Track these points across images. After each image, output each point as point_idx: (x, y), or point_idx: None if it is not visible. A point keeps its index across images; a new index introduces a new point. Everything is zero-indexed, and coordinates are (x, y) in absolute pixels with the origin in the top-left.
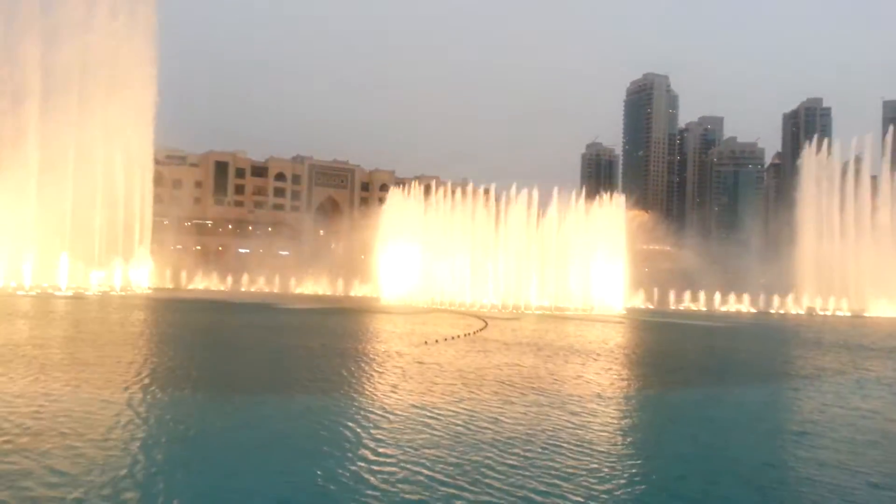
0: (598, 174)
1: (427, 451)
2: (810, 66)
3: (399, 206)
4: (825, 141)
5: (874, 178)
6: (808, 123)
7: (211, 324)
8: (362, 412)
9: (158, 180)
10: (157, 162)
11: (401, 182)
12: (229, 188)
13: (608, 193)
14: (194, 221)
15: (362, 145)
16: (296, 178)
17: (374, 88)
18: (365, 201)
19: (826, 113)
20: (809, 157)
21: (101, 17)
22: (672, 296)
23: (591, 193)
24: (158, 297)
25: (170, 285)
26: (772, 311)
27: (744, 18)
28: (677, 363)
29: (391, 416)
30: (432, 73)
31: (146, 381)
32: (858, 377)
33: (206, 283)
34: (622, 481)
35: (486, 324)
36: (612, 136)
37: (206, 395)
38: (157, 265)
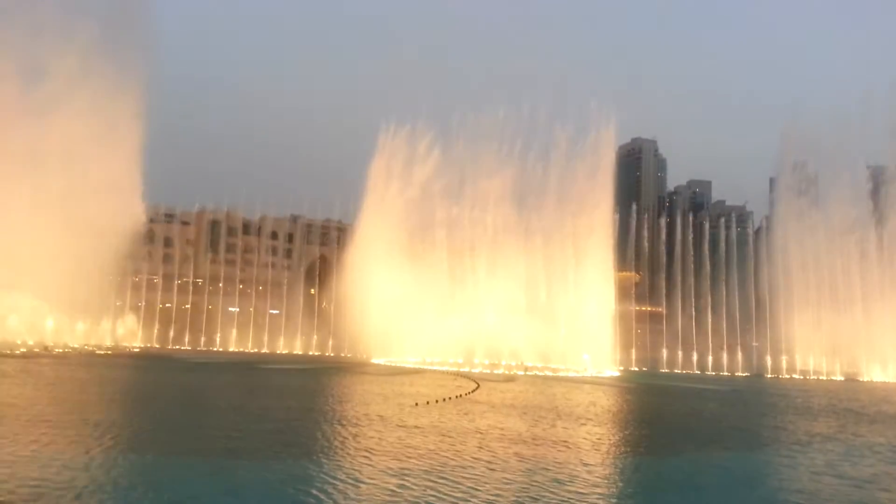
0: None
1: None
2: (796, 127)
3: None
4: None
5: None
6: (798, 185)
7: (192, 384)
8: (331, 480)
9: (150, 238)
10: (149, 220)
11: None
12: (221, 247)
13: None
14: (184, 280)
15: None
16: (288, 237)
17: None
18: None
19: (813, 177)
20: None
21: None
22: (664, 358)
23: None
24: (141, 357)
25: (156, 344)
26: (765, 374)
27: (728, 84)
28: (666, 428)
29: (361, 485)
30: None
31: (113, 442)
32: (850, 444)
33: (193, 342)
34: None
35: (478, 385)
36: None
37: (170, 458)
38: (146, 324)
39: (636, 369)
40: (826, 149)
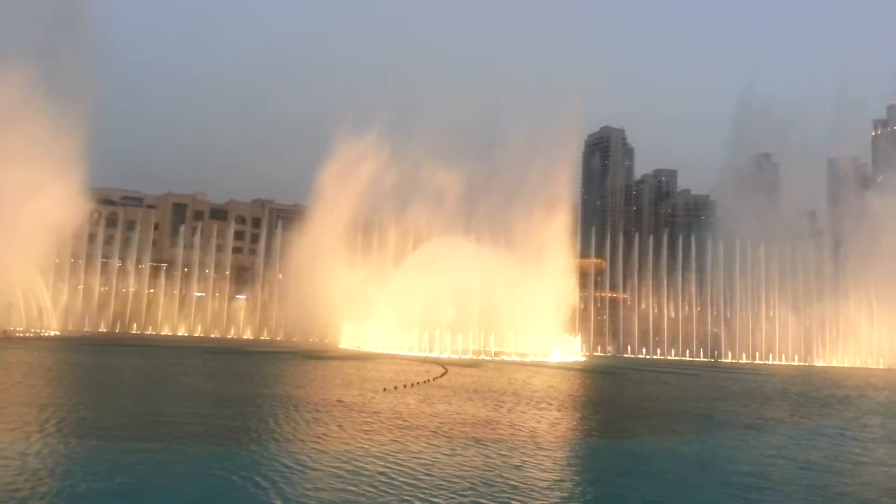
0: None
1: None
2: (759, 121)
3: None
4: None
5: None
6: (758, 177)
7: (149, 369)
8: (281, 467)
9: (113, 222)
10: (111, 203)
11: (363, 226)
12: (187, 231)
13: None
14: (150, 264)
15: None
16: (256, 222)
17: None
18: (322, 244)
19: (774, 168)
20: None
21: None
22: (628, 343)
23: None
24: (100, 341)
25: (117, 329)
26: (723, 359)
27: (693, 76)
28: (622, 412)
29: (312, 471)
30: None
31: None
32: (799, 427)
33: (156, 327)
34: None
35: (446, 370)
36: (571, 185)
37: (117, 443)
38: (106, 308)
39: (600, 354)
40: (787, 140)
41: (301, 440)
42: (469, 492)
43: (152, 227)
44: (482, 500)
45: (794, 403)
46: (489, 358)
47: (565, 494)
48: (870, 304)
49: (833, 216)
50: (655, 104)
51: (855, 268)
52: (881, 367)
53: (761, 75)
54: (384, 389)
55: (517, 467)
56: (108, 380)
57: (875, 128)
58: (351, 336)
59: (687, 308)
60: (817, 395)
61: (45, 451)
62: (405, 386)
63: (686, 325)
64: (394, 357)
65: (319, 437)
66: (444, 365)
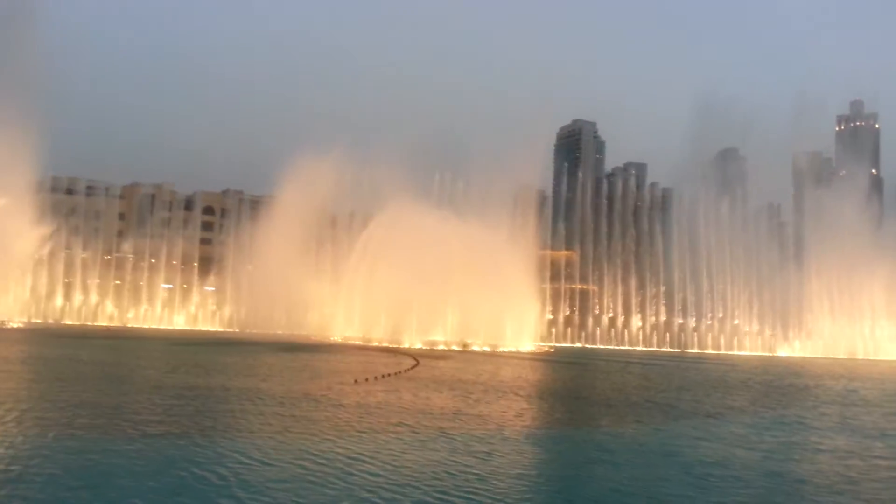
0: (529, 214)
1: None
2: (726, 117)
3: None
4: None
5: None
6: (725, 170)
7: (115, 362)
8: (242, 460)
9: (76, 211)
10: (75, 192)
11: (334, 219)
12: (154, 221)
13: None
14: (115, 255)
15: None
16: (224, 213)
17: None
18: (293, 235)
19: (741, 162)
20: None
21: None
22: (596, 334)
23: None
24: (65, 333)
25: (86, 321)
26: (690, 350)
27: (664, 70)
28: (587, 402)
29: (270, 466)
30: (371, 112)
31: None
32: (760, 417)
33: (123, 318)
34: None
35: (417, 362)
36: (543, 177)
37: (76, 438)
38: (72, 300)
39: (569, 345)
40: (751, 135)
41: (265, 434)
42: (434, 483)
43: (118, 218)
44: (447, 492)
45: (756, 393)
46: (460, 349)
47: (530, 484)
48: (830, 296)
49: (796, 210)
50: (627, 97)
51: (816, 260)
52: (841, 357)
53: (728, 71)
54: (355, 381)
55: (483, 458)
56: (71, 372)
57: (839, 123)
58: (322, 327)
59: (654, 299)
60: (778, 384)
61: (2, 445)
62: (375, 378)
63: (653, 317)
64: (365, 348)
65: (283, 431)
66: (416, 356)
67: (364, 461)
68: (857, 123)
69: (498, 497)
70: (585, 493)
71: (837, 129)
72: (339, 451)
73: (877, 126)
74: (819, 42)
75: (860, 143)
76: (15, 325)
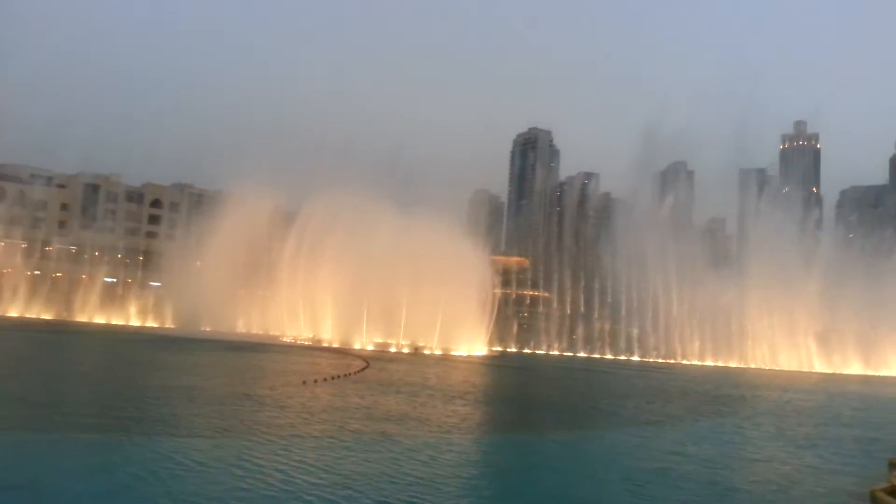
0: (483, 219)
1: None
2: (675, 129)
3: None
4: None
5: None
6: (674, 183)
7: (50, 358)
8: (177, 459)
9: (19, 200)
10: (19, 180)
11: (289, 216)
12: (99, 213)
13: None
14: (57, 247)
15: (250, 175)
16: (174, 206)
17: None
18: (245, 232)
19: (689, 176)
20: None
21: None
22: (546, 341)
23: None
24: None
25: (26, 314)
26: (634, 358)
27: (615, 80)
28: (531, 408)
29: (207, 468)
30: (328, 113)
31: None
32: (696, 425)
33: (67, 313)
34: None
35: (367, 364)
36: (499, 184)
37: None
38: (7, 291)
39: (517, 351)
40: (700, 151)
41: (201, 435)
42: (371, 489)
43: (61, 208)
44: (387, 498)
45: (695, 401)
46: (411, 352)
47: (470, 489)
48: (770, 309)
49: (740, 224)
50: (582, 107)
51: (757, 274)
52: (778, 369)
53: (679, 88)
54: (303, 382)
55: (424, 463)
56: (5, 367)
57: (783, 142)
58: (272, 327)
59: (600, 307)
60: (716, 393)
61: None
62: (323, 380)
63: (600, 324)
64: (314, 349)
65: (221, 432)
66: (366, 359)
67: (300, 466)
68: (800, 143)
69: (437, 502)
70: (525, 499)
71: (781, 147)
72: (279, 455)
73: (818, 146)
74: (765, 61)
75: (802, 161)
76: None
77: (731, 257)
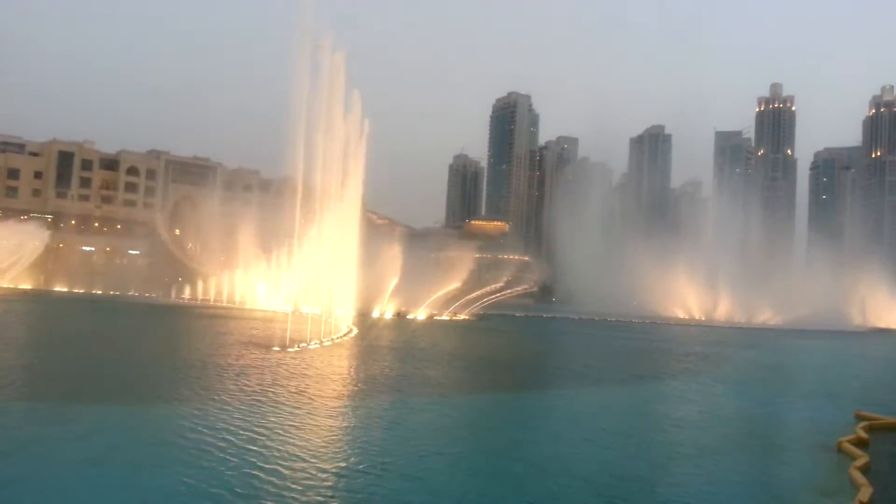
0: (463, 184)
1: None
2: (653, 94)
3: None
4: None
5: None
6: (651, 148)
7: (39, 326)
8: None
9: None
10: None
11: (266, 183)
12: (74, 181)
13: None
14: (32, 215)
15: (226, 141)
16: (150, 174)
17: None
18: (227, 201)
19: (667, 139)
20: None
21: None
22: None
23: (458, 202)
24: None
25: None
26: (611, 318)
27: (597, 46)
28: (500, 365)
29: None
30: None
31: None
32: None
33: (47, 282)
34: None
35: (352, 330)
36: (479, 149)
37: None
38: None
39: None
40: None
41: (165, 399)
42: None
43: (35, 176)
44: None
45: (662, 360)
46: (395, 317)
47: (432, 449)
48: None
49: (717, 186)
50: (561, 71)
51: (727, 234)
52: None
53: (661, 52)
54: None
55: (388, 428)
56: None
57: (759, 104)
58: (258, 297)
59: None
60: (691, 350)
61: None
62: (297, 346)
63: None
64: (301, 317)
65: (205, 399)
66: (352, 326)
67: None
68: (776, 105)
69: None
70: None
71: (757, 109)
72: (259, 423)
73: (793, 109)
74: (743, 24)
75: (777, 124)
76: None
77: (706, 218)
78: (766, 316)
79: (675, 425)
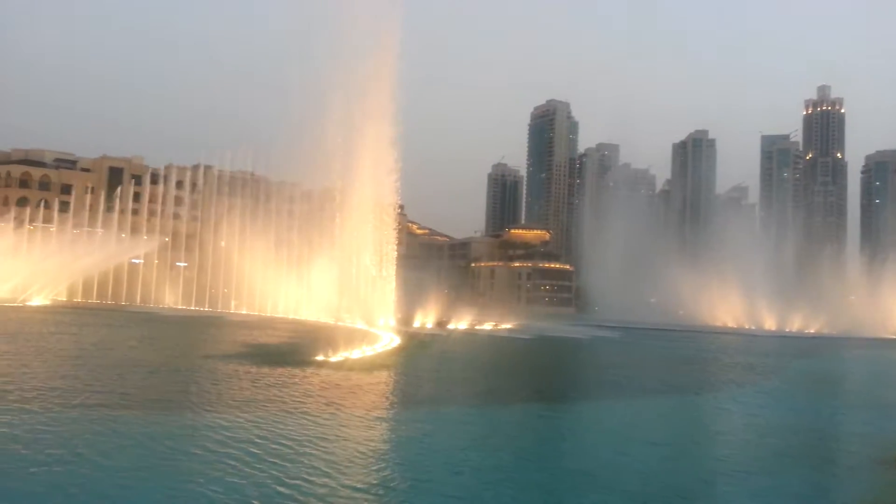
0: (503, 193)
1: None
2: (697, 99)
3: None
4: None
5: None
6: (695, 153)
7: (96, 339)
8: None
9: (45, 185)
10: (43, 165)
11: (307, 194)
12: (124, 195)
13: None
14: (84, 229)
15: (266, 154)
16: (196, 188)
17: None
18: (270, 213)
19: (711, 144)
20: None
21: None
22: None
23: (497, 211)
24: (32, 310)
25: (61, 298)
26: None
27: (635, 51)
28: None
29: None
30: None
31: None
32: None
33: (100, 296)
34: None
35: (399, 340)
36: (518, 158)
37: None
38: (42, 276)
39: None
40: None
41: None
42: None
43: (87, 192)
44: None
45: (726, 370)
46: (438, 330)
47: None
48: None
49: (763, 191)
50: (600, 77)
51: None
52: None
53: (704, 55)
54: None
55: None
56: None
57: (806, 107)
58: (302, 307)
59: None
60: (735, 362)
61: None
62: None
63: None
64: (338, 328)
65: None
66: (396, 336)
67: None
68: (824, 107)
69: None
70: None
71: (805, 112)
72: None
73: (842, 111)
74: (789, 25)
75: (826, 126)
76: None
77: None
78: (818, 324)
79: (723, 438)
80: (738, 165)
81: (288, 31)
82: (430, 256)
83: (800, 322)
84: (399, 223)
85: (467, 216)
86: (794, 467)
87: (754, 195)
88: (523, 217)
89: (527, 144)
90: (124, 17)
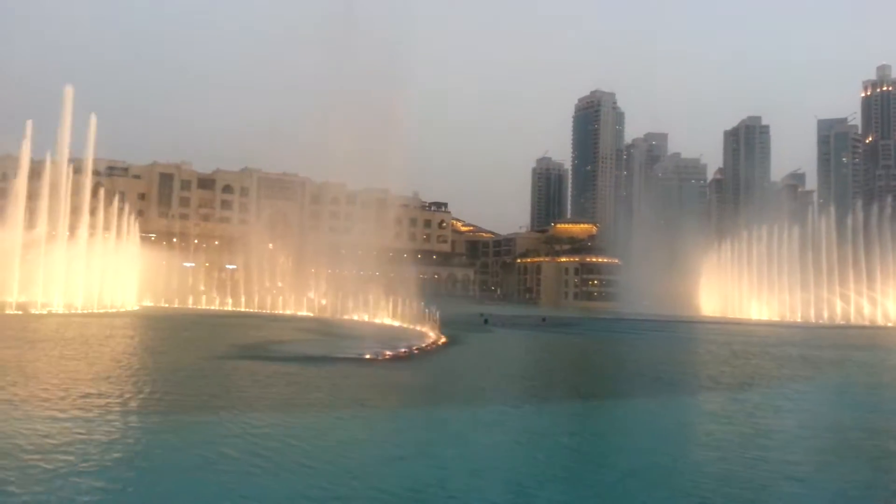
0: (548, 187)
1: None
2: (749, 84)
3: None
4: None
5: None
6: (747, 140)
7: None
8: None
9: (97, 192)
10: (97, 173)
11: (352, 196)
12: (174, 201)
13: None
14: (139, 235)
15: (312, 157)
16: (244, 191)
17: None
18: (315, 214)
19: (765, 130)
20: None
21: None
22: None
23: (542, 205)
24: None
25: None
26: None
27: (686, 38)
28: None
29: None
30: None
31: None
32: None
33: (155, 299)
34: None
35: (443, 338)
36: (562, 152)
37: None
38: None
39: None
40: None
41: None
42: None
43: (138, 198)
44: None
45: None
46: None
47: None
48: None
49: (822, 176)
50: (646, 66)
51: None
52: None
53: (754, 38)
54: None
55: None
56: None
57: (865, 88)
58: (350, 307)
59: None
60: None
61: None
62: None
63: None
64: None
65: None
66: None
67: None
68: (884, 88)
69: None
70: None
71: (863, 94)
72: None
73: None
74: (845, 4)
75: (886, 108)
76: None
77: (809, 213)
78: (887, 314)
79: (777, 436)
80: (793, 152)
81: (327, 39)
82: (474, 253)
83: (869, 313)
84: (443, 221)
85: (512, 212)
86: (849, 468)
87: (811, 182)
88: (569, 211)
89: (571, 137)
90: (163, 25)
